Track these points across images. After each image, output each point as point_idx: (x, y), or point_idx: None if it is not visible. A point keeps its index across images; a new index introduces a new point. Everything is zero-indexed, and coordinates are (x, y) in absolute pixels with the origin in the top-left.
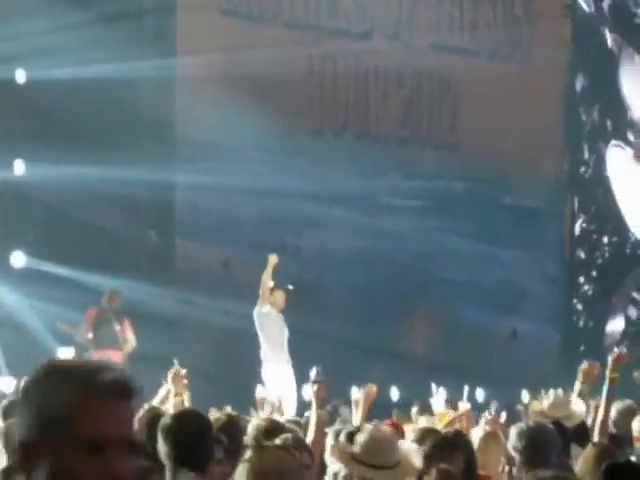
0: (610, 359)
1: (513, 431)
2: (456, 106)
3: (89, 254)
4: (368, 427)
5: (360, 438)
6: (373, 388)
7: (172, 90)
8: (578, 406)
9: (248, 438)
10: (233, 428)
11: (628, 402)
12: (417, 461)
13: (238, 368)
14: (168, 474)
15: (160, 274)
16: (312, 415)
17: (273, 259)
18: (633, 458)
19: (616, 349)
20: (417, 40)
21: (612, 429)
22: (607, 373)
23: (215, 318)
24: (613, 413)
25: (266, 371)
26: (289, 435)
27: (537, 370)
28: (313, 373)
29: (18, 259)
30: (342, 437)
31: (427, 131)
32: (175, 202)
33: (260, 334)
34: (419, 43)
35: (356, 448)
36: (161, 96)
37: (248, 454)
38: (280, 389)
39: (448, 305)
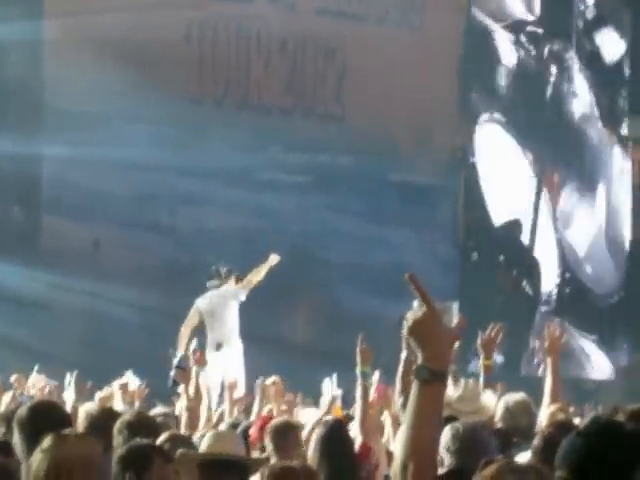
0: (480, 344)
1: (447, 431)
2: (342, 75)
3: None
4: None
5: None
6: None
7: (39, 54)
8: (488, 399)
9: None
10: (105, 423)
11: (521, 396)
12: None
13: (106, 354)
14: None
15: (25, 253)
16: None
17: (275, 259)
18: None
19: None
20: (302, 3)
21: (500, 424)
22: (480, 362)
23: (83, 301)
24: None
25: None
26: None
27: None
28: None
29: None
30: None
31: (311, 101)
32: (42, 176)
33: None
34: (304, 6)
35: None
36: (27, 60)
37: (47, 443)
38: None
39: (332, 289)
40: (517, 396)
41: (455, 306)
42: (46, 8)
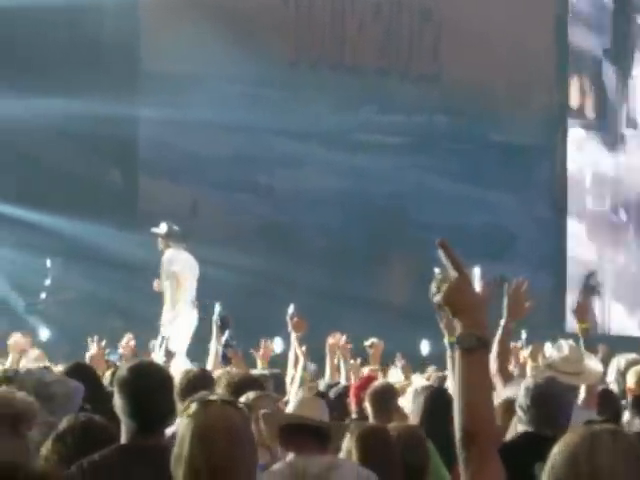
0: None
1: (522, 386)
2: (438, 34)
3: (45, 193)
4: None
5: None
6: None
7: (136, 17)
8: (593, 363)
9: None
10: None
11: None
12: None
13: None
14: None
15: (121, 216)
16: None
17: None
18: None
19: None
20: None
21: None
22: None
23: None
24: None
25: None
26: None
27: (527, 318)
28: (291, 309)
29: None
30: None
31: (407, 62)
32: (139, 138)
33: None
34: None
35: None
36: (124, 23)
37: (192, 408)
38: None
39: (427, 251)
40: (630, 357)
41: (477, 272)
42: None
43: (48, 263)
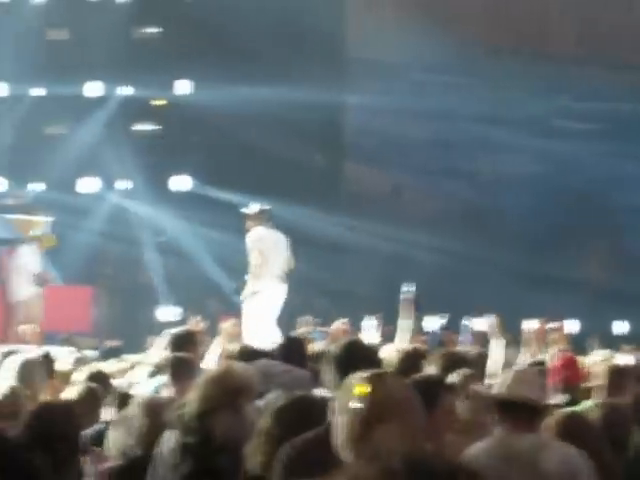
0: None
1: None
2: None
3: (254, 177)
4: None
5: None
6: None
7: (343, 9)
8: None
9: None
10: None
11: None
12: None
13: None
14: None
15: (326, 198)
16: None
17: None
18: None
19: None
20: None
21: None
22: None
23: (381, 244)
24: None
25: None
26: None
27: None
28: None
29: (182, 183)
30: None
31: (604, 50)
32: (344, 124)
33: None
34: None
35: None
36: (332, 14)
37: (362, 381)
38: None
39: (620, 234)
40: None
41: None
42: None
43: None
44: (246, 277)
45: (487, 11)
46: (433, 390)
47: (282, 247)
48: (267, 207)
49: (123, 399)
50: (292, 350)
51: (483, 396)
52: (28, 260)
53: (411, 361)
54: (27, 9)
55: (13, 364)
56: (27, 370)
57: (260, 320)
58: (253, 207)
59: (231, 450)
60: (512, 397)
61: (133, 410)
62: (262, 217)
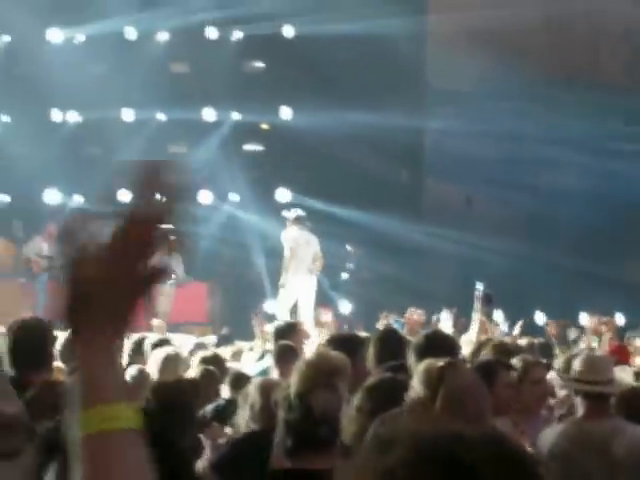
0: None
1: None
2: None
3: (346, 191)
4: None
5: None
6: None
7: (424, 44)
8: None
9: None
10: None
11: None
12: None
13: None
14: None
15: (408, 209)
16: None
17: None
18: None
19: None
20: None
21: None
22: None
23: (456, 249)
24: None
25: None
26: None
27: None
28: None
29: (284, 195)
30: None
31: None
32: (424, 145)
33: None
34: None
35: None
36: (414, 49)
37: (440, 370)
38: None
39: None
40: None
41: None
42: (429, 6)
43: (350, 249)
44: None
45: (546, 45)
46: (492, 369)
47: (312, 246)
48: (303, 214)
49: (236, 380)
50: (391, 339)
51: (546, 380)
52: None
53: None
54: (153, 45)
55: (160, 354)
56: (171, 361)
57: (287, 305)
58: (292, 213)
59: (328, 424)
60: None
61: (250, 390)
62: (298, 221)
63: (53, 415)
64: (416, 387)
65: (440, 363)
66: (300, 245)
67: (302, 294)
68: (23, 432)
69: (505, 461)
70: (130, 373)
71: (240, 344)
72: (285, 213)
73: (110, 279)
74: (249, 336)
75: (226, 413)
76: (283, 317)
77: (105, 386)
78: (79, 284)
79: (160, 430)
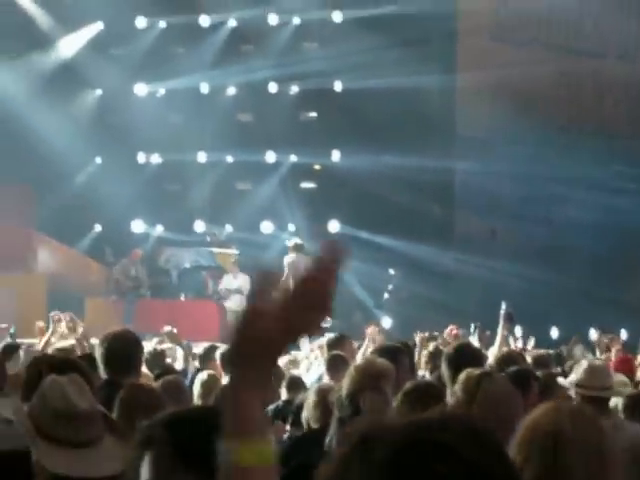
0: None
1: None
2: None
3: (387, 222)
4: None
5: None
6: None
7: (453, 97)
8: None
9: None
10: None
11: None
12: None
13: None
14: None
15: (440, 239)
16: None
17: None
18: None
19: None
20: None
21: None
22: None
23: (482, 273)
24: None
25: None
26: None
27: None
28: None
29: (334, 226)
30: None
31: None
32: (454, 183)
33: None
34: None
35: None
36: (444, 101)
37: (481, 380)
38: None
39: None
40: None
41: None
42: (458, 65)
43: (391, 272)
44: None
45: (558, 98)
46: (526, 380)
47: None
48: (300, 242)
49: (292, 384)
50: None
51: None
52: (228, 282)
53: (509, 360)
54: (223, 98)
55: None
56: None
57: None
58: (292, 241)
59: None
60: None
61: (309, 394)
62: (296, 248)
63: (142, 413)
64: (456, 393)
65: (478, 372)
66: (299, 269)
67: None
68: (99, 423)
69: (474, 436)
70: (201, 378)
71: (295, 353)
72: (287, 242)
73: (285, 331)
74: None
75: (285, 412)
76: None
77: (260, 421)
78: (257, 331)
79: None
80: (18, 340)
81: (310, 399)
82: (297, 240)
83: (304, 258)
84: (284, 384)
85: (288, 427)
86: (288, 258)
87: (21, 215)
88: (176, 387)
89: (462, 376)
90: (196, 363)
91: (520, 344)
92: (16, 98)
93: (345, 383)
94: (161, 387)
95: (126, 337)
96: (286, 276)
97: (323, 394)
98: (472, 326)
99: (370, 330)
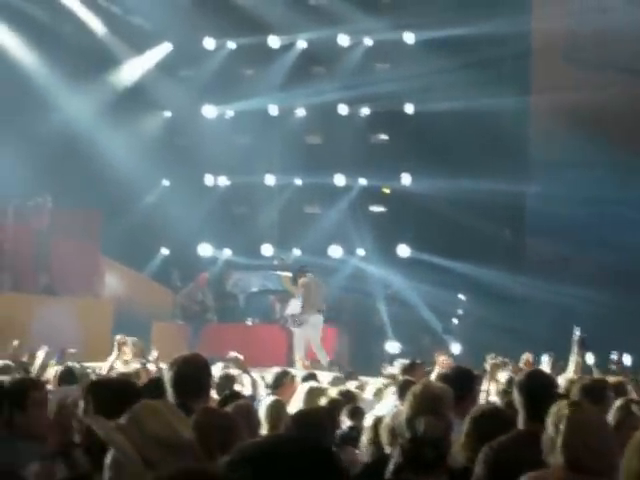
0: None
1: None
2: None
3: (457, 247)
4: None
5: None
6: None
7: (526, 121)
8: None
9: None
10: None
11: None
12: None
13: (569, 336)
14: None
15: (511, 263)
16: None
17: None
18: None
19: None
20: None
21: None
22: None
23: (553, 298)
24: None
25: None
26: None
27: None
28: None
29: (404, 250)
30: None
31: None
32: (526, 208)
33: None
34: None
35: None
36: (517, 124)
37: (567, 409)
38: None
39: None
40: None
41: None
42: (532, 87)
43: (460, 297)
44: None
45: (628, 121)
46: (622, 415)
47: (322, 289)
48: (305, 266)
49: (353, 412)
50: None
51: None
52: (295, 306)
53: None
54: (291, 120)
55: (305, 387)
56: (314, 396)
57: (304, 340)
58: (299, 268)
59: (433, 446)
60: None
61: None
62: (304, 271)
63: (217, 437)
64: (547, 427)
65: (567, 402)
66: (313, 289)
67: (310, 331)
68: (194, 456)
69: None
70: (266, 402)
71: (363, 379)
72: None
73: None
74: (370, 372)
75: (351, 438)
76: (299, 351)
77: None
78: None
79: None
80: (84, 364)
81: (384, 423)
82: (303, 266)
83: (316, 279)
84: (345, 412)
85: (357, 451)
86: (302, 282)
87: (89, 239)
88: (247, 411)
89: (553, 408)
90: (261, 389)
91: (596, 373)
92: (85, 120)
93: (405, 408)
94: (232, 411)
95: (196, 361)
96: (304, 297)
97: (376, 425)
98: (545, 355)
99: (442, 359)
